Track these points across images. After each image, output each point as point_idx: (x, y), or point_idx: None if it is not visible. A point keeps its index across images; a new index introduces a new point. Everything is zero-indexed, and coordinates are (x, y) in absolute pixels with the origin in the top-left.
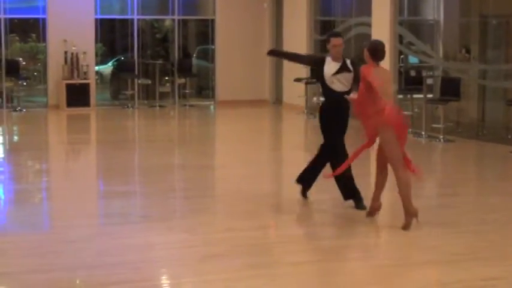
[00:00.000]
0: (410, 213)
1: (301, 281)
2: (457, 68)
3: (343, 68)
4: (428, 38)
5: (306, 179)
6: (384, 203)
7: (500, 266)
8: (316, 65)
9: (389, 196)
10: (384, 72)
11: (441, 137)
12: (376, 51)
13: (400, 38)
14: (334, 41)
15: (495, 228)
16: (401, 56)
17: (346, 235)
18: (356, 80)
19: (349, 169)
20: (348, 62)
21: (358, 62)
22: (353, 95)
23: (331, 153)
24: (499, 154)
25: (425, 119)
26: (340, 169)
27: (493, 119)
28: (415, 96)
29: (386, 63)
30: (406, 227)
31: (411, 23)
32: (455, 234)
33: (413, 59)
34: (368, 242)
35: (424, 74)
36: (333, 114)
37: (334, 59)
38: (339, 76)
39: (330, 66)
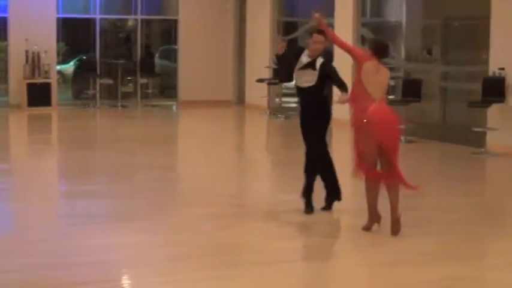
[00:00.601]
0: (372, 218)
1: (265, 282)
2: (419, 70)
3: (309, 65)
4: (390, 40)
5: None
6: (350, 204)
7: (463, 266)
8: (295, 54)
9: (356, 198)
10: (379, 70)
11: (402, 138)
12: (377, 45)
13: (363, 39)
14: (316, 37)
15: (457, 228)
16: None
17: (312, 235)
18: (322, 79)
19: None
20: (319, 61)
21: (330, 63)
22: (343, 97)
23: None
24: (461, 155)
25: None
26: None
27: (455, 120)
28: None
29: (348, 64)
30: (366, 228)
31: (374, 25)
32: (419, 234)
33: None
34: (334, 243)
35: None
36: (300, 113)
37: (309, 55)
38: (302, 72)
39: (302, 61)
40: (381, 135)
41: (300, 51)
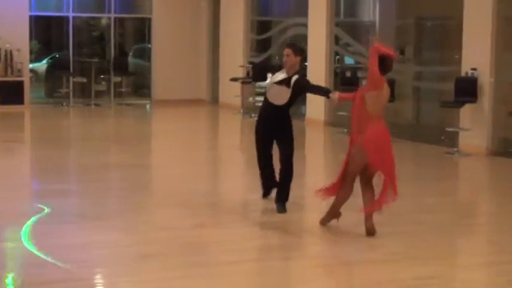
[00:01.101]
0: (332, 213)
1: (237, 281)
2: (392, 70)
3: (283, 82)
4: (364, 39)
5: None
6: (322, 204)
7: (434, 266)
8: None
9: (330, 198)
10: (382, 93)
11: None
12: (383, 61)
13: (336, 39)
14: (285, 50)
15: (430, 228)
16: (337, 57)
17: (284, 234)
18: (294, 96)
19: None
20: (294, 78)
21: (303, 77)
22: (333, 95)
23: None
24: (433, 155)
25: None
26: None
27: (428, 120)
28: None
29: (322, 64)
30: (323, 222)
31: (347, 24)
32: (391, 234)
33: (349, 60)
34: (303, 241)
35: (359, 74)
36: (259, 120)
37: (286, 71)
38: (275, 86)
39: (279, 75)
40: (373, 160)
41: (278, 67)
